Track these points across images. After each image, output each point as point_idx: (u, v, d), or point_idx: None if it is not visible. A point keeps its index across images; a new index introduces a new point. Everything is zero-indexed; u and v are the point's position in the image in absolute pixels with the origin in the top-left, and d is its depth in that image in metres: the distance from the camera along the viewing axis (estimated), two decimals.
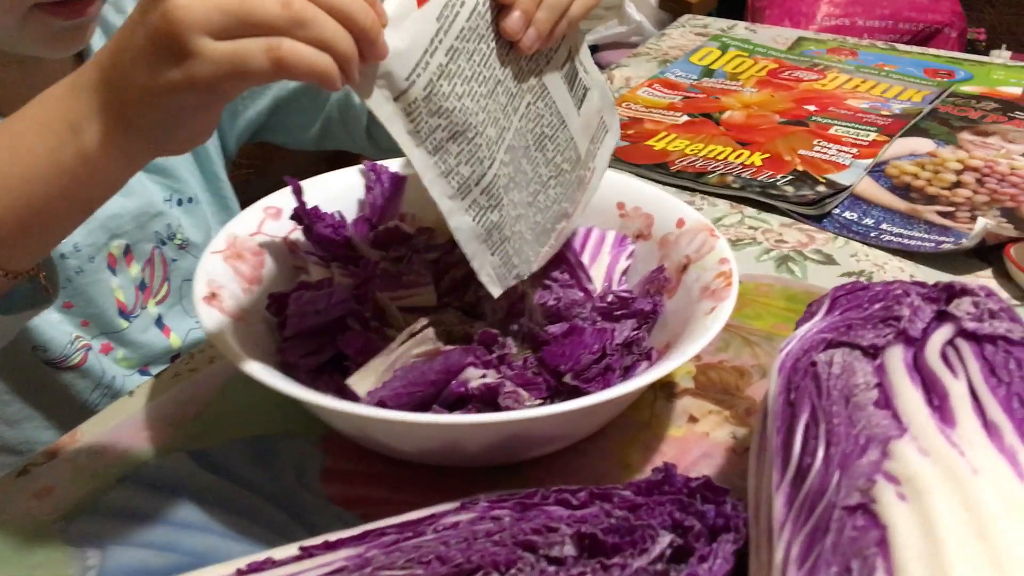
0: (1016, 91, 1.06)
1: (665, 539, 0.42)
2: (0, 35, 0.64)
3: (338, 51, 0.43)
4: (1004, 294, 0.71)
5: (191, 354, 0.64)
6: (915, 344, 0.43)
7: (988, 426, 0.38)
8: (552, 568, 0.41)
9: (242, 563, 0.42)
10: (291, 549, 0.43)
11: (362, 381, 0.52)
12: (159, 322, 0.79)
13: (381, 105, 0.46)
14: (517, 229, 0.54)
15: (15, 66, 0.68)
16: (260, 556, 0.42)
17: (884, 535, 0.34)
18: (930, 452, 0.37)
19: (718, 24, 1.28)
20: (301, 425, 0.57)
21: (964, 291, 0.46)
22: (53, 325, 0.72)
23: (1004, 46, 1.61)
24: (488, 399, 0.50)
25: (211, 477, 0.54)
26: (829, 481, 0.37)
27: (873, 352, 0.43)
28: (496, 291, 0.54)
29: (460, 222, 0.50)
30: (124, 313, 0.76)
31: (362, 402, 0.50)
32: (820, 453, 0.39)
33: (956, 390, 0.40)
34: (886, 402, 0.40)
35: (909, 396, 0.40)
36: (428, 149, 0.48)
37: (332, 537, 0.43)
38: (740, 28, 1.26)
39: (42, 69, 0.68)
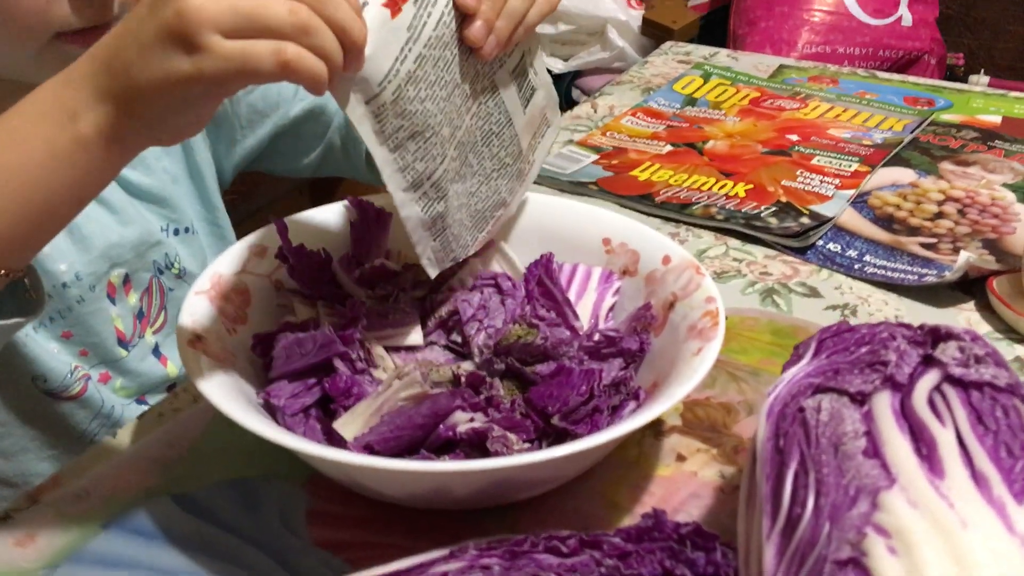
0: (995, 119, 1.07)
1: None
2: (15, 65, 0.64)
3: (332, 60, 0.46)
4: (986, 327, 0.72)
5: (175, 393, 0.64)
6: (902, 390, 0.43)
7: (976, 477, 0.38)
8: None
9: None
10: None
11: (349, 425, 0.51)
12: (156, 351, 0.79)
13: (355, 108, 0.50)
14: (458, 217, 0.60)
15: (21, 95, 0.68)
16: None
17: None
18: (919, 504, 0.37)
19: (700, 51, 1.29)
20: (286, 467, 0.57)
21: (950, 335, 0.46)
22: (52, 355, 0.71)
23: (982, 71, 1.63)
24: (476, 443, 0.50)
25: (196, 522, 0.53)
26: (820, 532, 0.37)
27: (860, 399, 0.43)
28: (433, 272, 0.60)
29: (410, 212, 0.56)
30: (123, 342, 0.76)
31: (349, 447, 0.50)
32: (810, 503, 0.39)
33: (944, 438, 0.40)
34: (875, 451, 0.40)
35: (897, 445, 0.40)
36: (390, 147, 0.52)
37: None
38: (722, 56, 1.27)
39: None
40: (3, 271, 0.50)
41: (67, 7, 0.61)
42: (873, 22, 1.50)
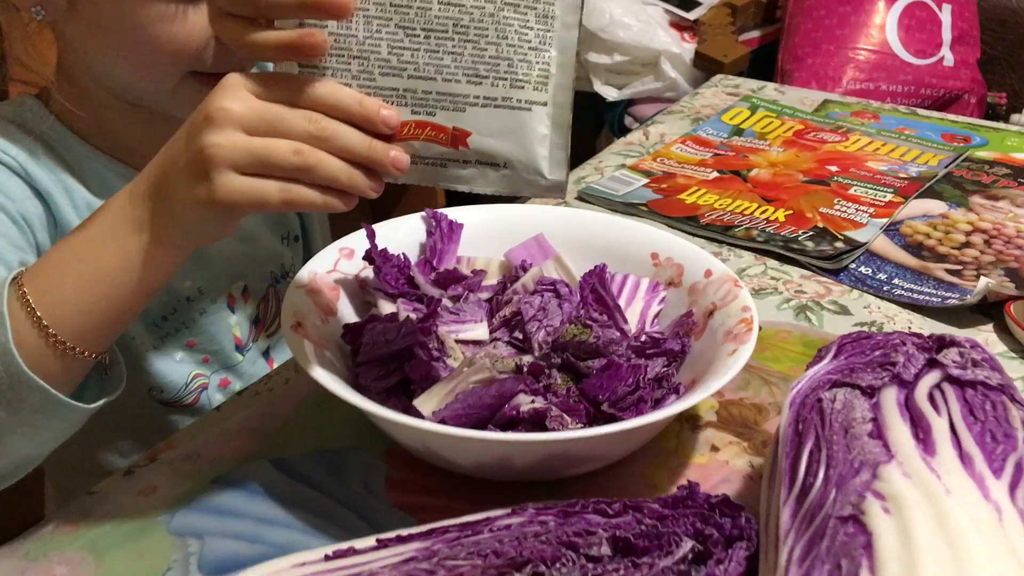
0: None
1: (687, 544, 0.49)
2: (153, 97, 0.72)
3: (343, 184, 0.51)
4: (1002, 347, 0.78)
5: (269, 376, 0.73)
6: (907, 386, 0.51)
7: (963, 456, 0.45)
8: (591, 565, 0.48)
9: (328, 550, 0.50)
10: (369, 541, 0.50)
11: (427, 403, 0.60)
12: (266, 353, 0.87)
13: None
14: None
15: (156, 122, 0.76)
16: (343, 545, 0.50)
17: (869, 540, 0.41)
18: (912, 475, 0.44)
19: (748, 84, 1.36)
20: (367, 440, 0.65)
21: (952, 342, 0.53)
22: (174, 367, 0.80)
23: None
24: (536, 422, 0.58)
25: (290, 482, 0.62)
26: (827, 497, 0.45)
27: (870, 392, 0.50)
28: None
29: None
30: (239, 347, 0.84)
31: (426, 420, 0.58)
32: (821, 474, 0.46)
33: (938, 426, 0.47)
34: (879, 433, 0.47)
35: (898, 430, 0.47)
36: None
37: (404, 532, 0.51)
38: (769, 89, 1.34)
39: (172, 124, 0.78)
40: (92, 355, 0.58)
41: (210, 53, 0.69)
42: (916, 62, 1.56)
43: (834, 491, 0.45)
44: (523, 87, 0.49)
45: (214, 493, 0.61)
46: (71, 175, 0.74)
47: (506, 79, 0.49)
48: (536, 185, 0.51)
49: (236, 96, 0.50)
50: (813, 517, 0.44)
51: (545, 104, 0.49)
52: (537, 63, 0.48)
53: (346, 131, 0.50)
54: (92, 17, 0.68)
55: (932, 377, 0.51)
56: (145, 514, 0.59)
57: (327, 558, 0.49)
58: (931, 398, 0.49)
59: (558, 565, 0.48)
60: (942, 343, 0.54)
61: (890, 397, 0.50)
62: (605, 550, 0.49)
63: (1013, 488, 0.43)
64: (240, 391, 0.71)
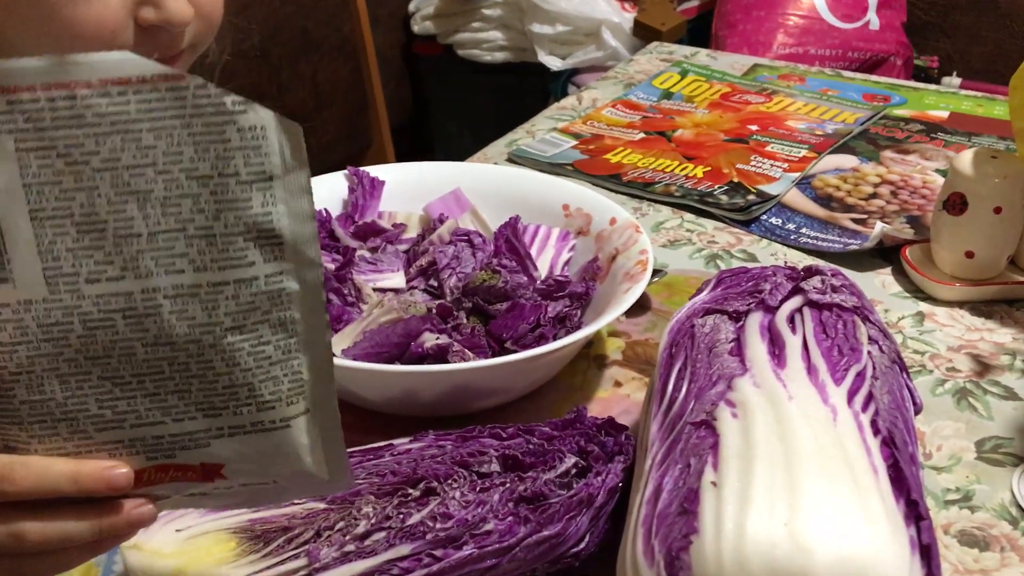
0: (943, 114, 1.17)
1: (571, 460, 0.54)
2: None
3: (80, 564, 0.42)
4: (897, 288, 0.83)
5: None
6: (772, 311, 0.55)
7: (810, 368, 0.49)
8: (480, 480, 0.52)
9: None
10: None
11: (339, 343, 0.63)
12: None
13: None
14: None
15: None
16: None
17: (717, 441, 0.45)
18: (761, 385, 0.48)
19: (682, 51, 1.40)
20: None
21: (817, 271, 0.58)
22: None
23: (955, 73, 1.74)
24: (440, 357, 0.62)
25: None
26: (687, 407, 0.49)
27: (737, 316, 0.55)
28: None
29: None
30: None
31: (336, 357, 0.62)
32: (684, 388, 0.50)
33: (792, 343, 0.51)
34: (738, 351, 0.51)
35: (756, 348, 0.51)
36: None
37: None
38: (702, 55, 1.38)
39: None
40: None
41: (129, 36, 0.66)
42: (843, 25, 1.61)
43: (693, 402, 0.49)
44: (273, 407, 0.40)
45: None
46: None
47: (250, 404, 0.40)
48: (318, 487, 0.43)
49: None
50: (674, 426, 0.49)
51: (306, 412, 0.40)
52: (286, 376, 0.40)
53: (62, 529, 0.40)
54: (10, 7, 0.70)
55: (794, 302, 0.55)
56: None
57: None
58: (791, 320, 0.54)
59: (450, 481, 0.52)
60: (808, 272, 0.58)
61: (754, 321, 0.54)
62: (495, 467, 0.53)
63: (852, 394, 0.48)
64: None
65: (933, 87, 1.29)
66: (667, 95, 1.22)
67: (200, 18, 0.72)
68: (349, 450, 0.56)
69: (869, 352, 0.51)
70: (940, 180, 0.99)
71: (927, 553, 0.41)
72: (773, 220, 0.93)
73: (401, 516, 0.50)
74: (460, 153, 0.97)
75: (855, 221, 0.93)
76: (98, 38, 0.70)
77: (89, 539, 0.41)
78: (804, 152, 1.05)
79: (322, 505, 0.51)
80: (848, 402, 0.47)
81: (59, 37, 0.70)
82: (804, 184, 0.99)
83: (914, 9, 1.77)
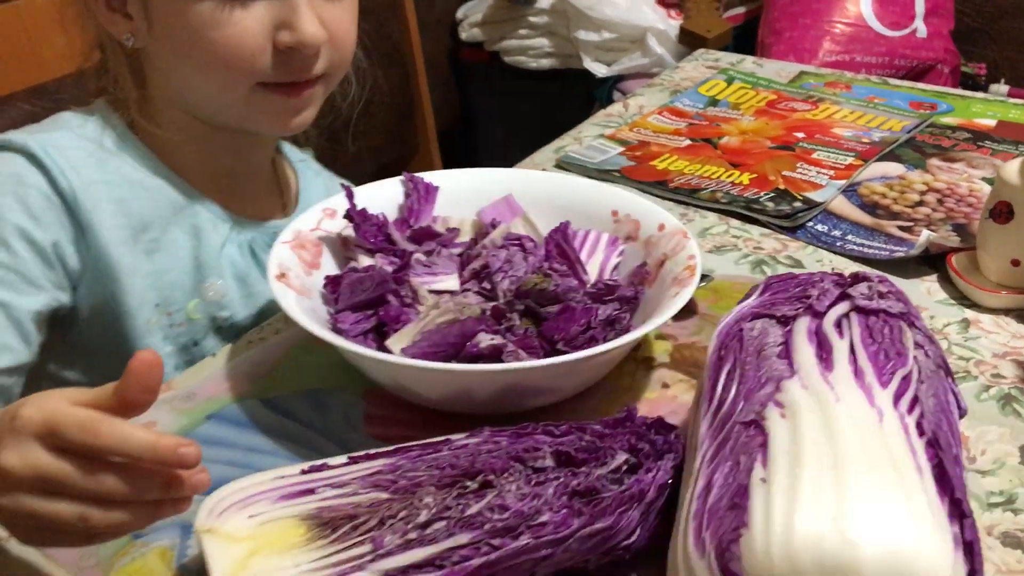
0: (991, 123, 1.17)
1: (622, 457, 0.56)
2: (229, 111, 0.80)
3: (142, 527, 0.51)
4: (943, 295, 0.84)
5: (261, 327, 0.79)
6: (819, 316, 0.57)
7: (856, 371, 0.51)
8: (535, 474, 0.55)
9: (305, 465, 0.56)
10: (341, 458, 0.57)
11: (397, 342, 0.66)
12: None
13: None
14: None
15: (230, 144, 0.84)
16: (318, 462, 0.56)
17: (765, 440, 0.47)
18: (809, 387, 0.50)
19: (728, 59, 1.41)
20: (347, 382, 0.71)
21: (864, 278, 0.59)
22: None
23: (1003, 80, 1.73)
24: (495, 357, 0.64)
25: (278, 418, 0.69)
26: (736, 407, 0.51)
27: (785, 321, 0.56)
28: None
29: None
30: None
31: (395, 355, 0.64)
32: (733, 390, 0.52)
33: (840, 347, 0.53)
34: (786, 354, 0.53)
35: (804, 351, 0.53)
36: None
37: (372, 451, 0.57)
38: (748, 63, 1.39)
39: (231, 143, 0.85)
40: None
41: (269, 61, 0.76)
42: (889, 33, 1.61)
43: (742, 402, 0.51)
44: None
45: (208, 427, 0.68)
46: (131, 186, 0.81)
47: None
48: None
49: (23, 452, 0.48)
50: (723, 425, 0.51)
51: None
52: None
53: (135, 483, 0.49)
54: (163, 32, 0.76)
55: (842, 307, 0.57)
56: None
57: (303, 472, 0.56)
58: (838, 324, 0.55)
59: (506, 475, 0.54)
60: (856, 279, 0.60)
61: (802, 325, 0.56)
62: (549, 462, 0.56)
63: (898, 397, 0.50)
64: (235, 343, 0.78)
65: (980, 95, 1.29)
66: (713, 102, 1.24)
67: (333, 47, 0.79)
68: (407, 444, 0.58)
69: (915, 357, 0.53)
70: (986, 188, 1.00)
71: (970, 549, 0.43)
72: (819, 227, 0.94)
73: (460, 507, 0.52)
74: (504, 158, 1.00)
75: (901, 228, 0.94)
76: (238, 59, 0.75)
77: (157, 495, 0.49)
78: (850, 160, 1.06)
79: (386, 495, 0.53)
80: (894, 404, 0.49)
81: (204, 61, 0.76)
82: (850, 191, 1.00)
83: (962, 16, 1.76)
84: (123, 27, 0.78)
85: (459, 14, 2.08)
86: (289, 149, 0.97)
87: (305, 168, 0.98)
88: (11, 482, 0.48)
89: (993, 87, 1.70)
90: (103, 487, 0.48)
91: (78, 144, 0.80)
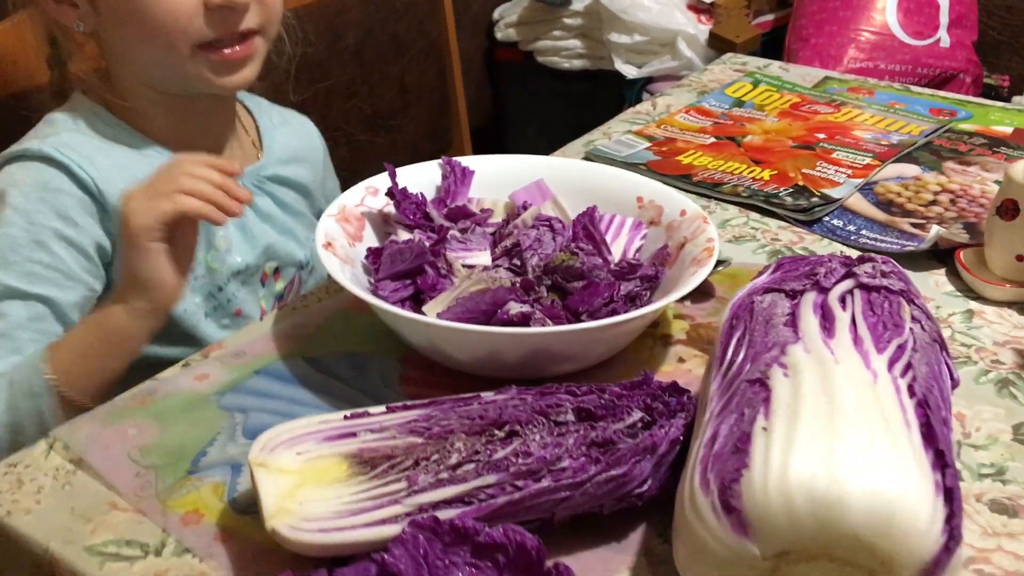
0: (1007, 130, 1.21)
1: (637, 414, 0.60)
2: (175, 74, 0.87)
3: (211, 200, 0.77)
4: (950, 287, 0.88)
5: (305, 295, 0.85)
6: (825, 292, 0.61)
7: (856, 339, 0.56)
8: (557, 427, 0.60)
9: (347, 412, 0.61)
10: (380, 408, 0.62)
11: (433, 307, 0.71)
12: None
13: None
14: None
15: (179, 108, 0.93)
16: (359, 410, 0.62)
17: (769, 395, 0.52)
18: (811, 351, 0.55)
19: (755, 63, 1.46)
20: (386, 346, 0.77)
21: (870, 259, 0.64)
22: (218, 333, 0.94)
23: None
24: (523, 324, 0.69)
25: (320, 375, 0.74)
26: (744, 368, 0.56)
27: (793, 295, 0.61)
28: None
29: None
30: (263, 317, 0.99)
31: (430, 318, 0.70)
32: (742, 353, 0.57)
33: (842, 317, 0.58)
34: (792, 323, 0.58)
35: (809, 320, 0.58)
36: None
37: (409, 403, 0.63)
38: (774, 67, 1.44)
39: (196, 108, 0.93)
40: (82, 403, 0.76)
41: (203, 21, 0.83)
42: (913, 42, 1.65)
43: (749, 364, 0.55)
44: None
45: (255, 380, 0.73)
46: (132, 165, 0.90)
47: None
48: None
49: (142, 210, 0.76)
50: (731, 384, 0.55)
51: None
52: None
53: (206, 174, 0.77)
54: (107, 12, 0.84)
55: (846, 284, 0.61)
56: (200, 393, 0.72)
57: (345, 418, 0.61)
58: (842, 299, 0.60)
59: (531, 426, 0.60)
60: (862, 260, 0.64)
61: (809, 298, 0.60)
62: (570, 417, 0.61)
63: (892, 362, 0.54)
64: (280, 307, 0.83)
65: (1000, 104, 1.32)
66: (739, 103, 1.28)
67: (260, 2, 0.87)
68: (441, 398, 0.63)
69: (911, 329, 0.57)
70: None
71: (950, 495, 0.47)
72: (835, 221, 0.99)
73: (488, 451, 0.57)
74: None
75: (913, 225, 0.98)
76: (177, 24, 0.83)
77: (219, 184, 0.77)
78: (868, 160, 1.10)
79: (420, 440, 0.59)
80: (888, 368, 0.53)
81: (148, 31, 0.83)
82: (866, 190, 1.04)
83: (987, 29, 1.80)
84: (71, 15, 0.87)
85: (495, 15, 2.13)
86: (241, 95, 1.05)
87: (255, 105, 1.06)
88: (138, 228, 0.76)
89: (1016, 99, 1.74)
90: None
91: (81, 139, 0.87)
